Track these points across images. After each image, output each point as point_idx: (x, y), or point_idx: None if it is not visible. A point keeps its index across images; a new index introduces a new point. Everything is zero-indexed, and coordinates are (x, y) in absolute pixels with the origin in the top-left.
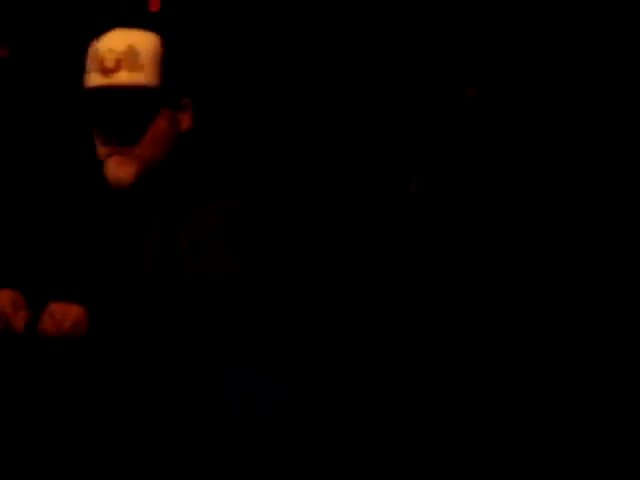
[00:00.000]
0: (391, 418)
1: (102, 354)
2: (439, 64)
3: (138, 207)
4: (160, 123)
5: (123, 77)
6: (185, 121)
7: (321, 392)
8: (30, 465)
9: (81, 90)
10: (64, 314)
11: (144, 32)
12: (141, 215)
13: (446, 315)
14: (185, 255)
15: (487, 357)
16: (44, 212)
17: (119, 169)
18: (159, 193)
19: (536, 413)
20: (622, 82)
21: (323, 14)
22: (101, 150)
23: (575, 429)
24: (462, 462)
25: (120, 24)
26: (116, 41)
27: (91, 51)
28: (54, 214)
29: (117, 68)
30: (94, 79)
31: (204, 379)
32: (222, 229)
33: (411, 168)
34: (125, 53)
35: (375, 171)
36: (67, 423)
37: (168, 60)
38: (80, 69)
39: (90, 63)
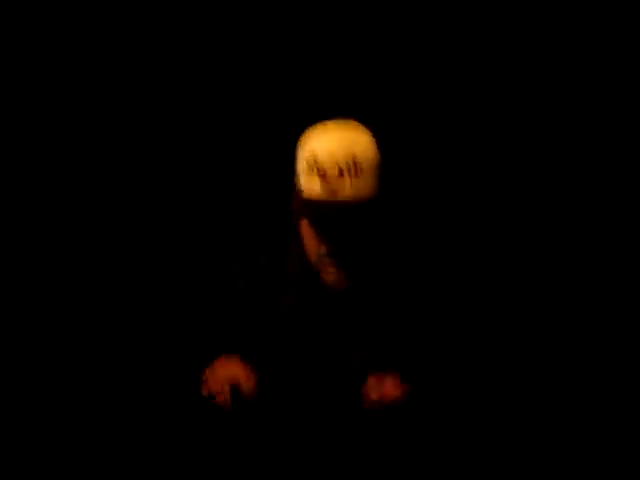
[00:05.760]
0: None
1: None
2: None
3: (346, 306)
4: (376, 234)
5: (347, 190)
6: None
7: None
8: None
9: (297, 194)
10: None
11: (363, 137)
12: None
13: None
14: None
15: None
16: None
17: (338, 277)
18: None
19: (536, 413)
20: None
21: None
22: (316, 249)
23: (575, 429)
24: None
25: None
26: (337, 149)
27: (306, 151)
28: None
29: (340, 178)
30: (316, 188)
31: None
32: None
33: None
34: (348, 164)
35: None
36: None
37: (384, 168)
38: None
39: (307, 166)
